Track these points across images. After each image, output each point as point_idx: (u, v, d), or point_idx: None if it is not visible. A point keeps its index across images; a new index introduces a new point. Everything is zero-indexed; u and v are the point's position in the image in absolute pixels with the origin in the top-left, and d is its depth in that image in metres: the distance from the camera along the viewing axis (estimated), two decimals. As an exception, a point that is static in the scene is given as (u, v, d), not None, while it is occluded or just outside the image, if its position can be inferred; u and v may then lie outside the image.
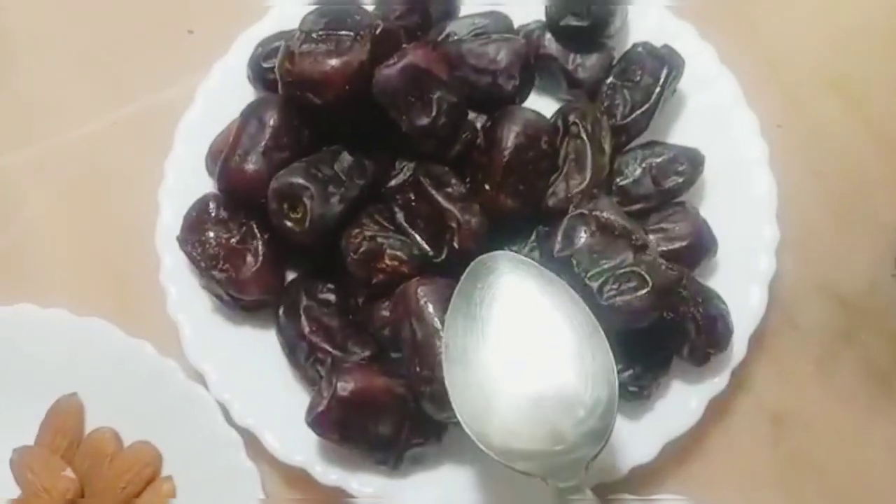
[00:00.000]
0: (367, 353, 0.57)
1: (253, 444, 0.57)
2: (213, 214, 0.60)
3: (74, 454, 0.59)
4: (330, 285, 0.60)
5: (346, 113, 0.57)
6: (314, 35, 0.57)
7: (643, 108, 0.62)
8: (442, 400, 0.51)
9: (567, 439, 0.49)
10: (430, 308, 0.54)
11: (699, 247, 0.59)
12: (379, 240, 0.57)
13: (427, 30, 0.65)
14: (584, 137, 0.60)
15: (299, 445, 0.57)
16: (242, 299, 0.59)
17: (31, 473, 0.58)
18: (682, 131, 0.64)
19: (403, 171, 0.59)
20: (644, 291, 0.53)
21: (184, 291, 0.60)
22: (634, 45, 0.64)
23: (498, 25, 0.65)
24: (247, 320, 0.61)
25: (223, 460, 0.57)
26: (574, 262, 0.54)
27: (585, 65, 0.64)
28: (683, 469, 0.59)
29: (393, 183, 0.59)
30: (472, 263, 0.53)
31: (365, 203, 0.58)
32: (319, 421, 0.54)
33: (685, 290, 0.56)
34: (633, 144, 0.63)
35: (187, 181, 0.63)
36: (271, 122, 0.59)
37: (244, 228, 0.60)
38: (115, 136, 0.70)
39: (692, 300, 0.56)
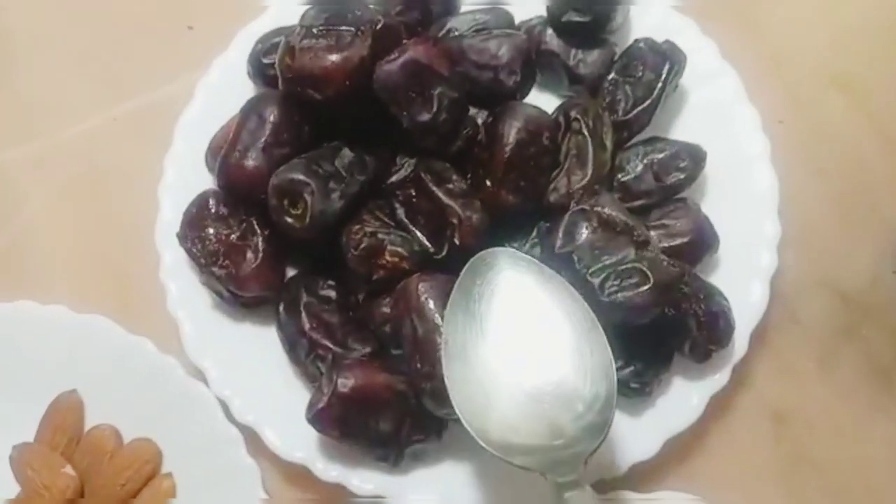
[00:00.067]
0: (367, 350, 0.57)
1: (253, 440, 0.57)
2: (213, 211, 0.60)
3: (74, 451, 0.59)
4: (330, 282, 0.59)
5: (346, 109, 0.57)
6: (314, 30, 0.56)
7: (645, 104, 0.62)
8: (442, 396, 0.51)
9: (566, 434, 0.49)
10: (431, 304, 0.53)
11: (701, 243, 0.59)
12: (379, 236, 0.56)
13: (428, 25, 0.65)
14: (586, 133, 0.60)
15: (300, 442, 0.57)
16: (242, 296, 0.59)
17: (30, 470, 0.58)
18: (684, 127, 0.64)
19: (404, 167, 0.59)
20: (645, 288, 0.53)
21: (184, 288, 0.60)
22: (636, 41, 0.64)
23: (499, 21, 0.65)
24: (247, 317, 0.60)
25: (223, 457, 0.57)
26: (575, 258, 0.54)
27: (587, 60, 0.64)
28: (684, 466, 0.59)
29: (394, 179, 0.59)
30: (471, 260, 0.53)
31: (365, 199, 0.58)
32: (320, 417, 0.54)
33: (686, 286, 0.56)
34: (634, 140, 0.63)
35: (187, 178, 0.63)
36: (271, 118, 0.58)
37: (244, 225, 0.59)
38: (114, 133, 0.70)
39: (693, 296, 0.56)
